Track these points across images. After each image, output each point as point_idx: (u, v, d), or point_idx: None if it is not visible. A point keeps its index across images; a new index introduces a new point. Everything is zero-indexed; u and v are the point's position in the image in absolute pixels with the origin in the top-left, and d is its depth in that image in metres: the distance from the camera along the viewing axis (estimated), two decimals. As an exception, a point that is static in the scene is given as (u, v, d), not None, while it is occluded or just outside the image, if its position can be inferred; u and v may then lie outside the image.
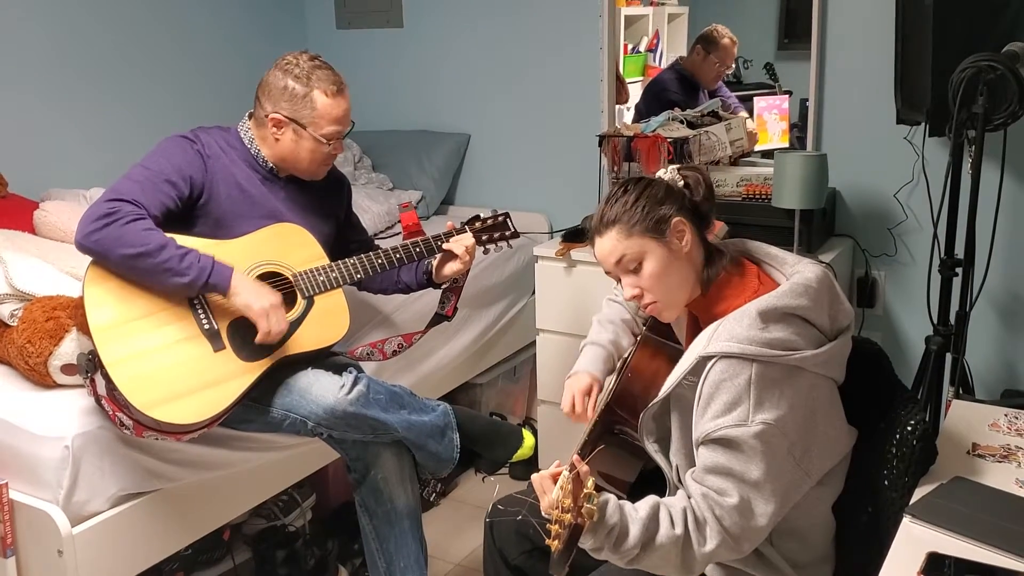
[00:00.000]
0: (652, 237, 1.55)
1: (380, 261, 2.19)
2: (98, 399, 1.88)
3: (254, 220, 2.12)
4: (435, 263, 2.30)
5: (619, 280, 1.63)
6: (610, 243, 1.57)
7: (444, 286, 2.37)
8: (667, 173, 1.63)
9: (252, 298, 1.94)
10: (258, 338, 1.94)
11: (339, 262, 2.15)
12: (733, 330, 1.45)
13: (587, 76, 3.29)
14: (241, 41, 3.63)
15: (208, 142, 2.12)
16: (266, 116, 2.11)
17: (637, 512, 1.41)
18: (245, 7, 3.66)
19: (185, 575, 2.43)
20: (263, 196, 2.15)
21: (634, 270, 1.57)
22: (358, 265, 2.16)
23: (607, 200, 1.60)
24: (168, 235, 1.92)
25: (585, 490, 1.26)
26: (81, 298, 1.91)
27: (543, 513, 1.42)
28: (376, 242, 2.48)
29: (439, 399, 2.78)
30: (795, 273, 1.55)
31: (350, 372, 2.08)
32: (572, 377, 1.87)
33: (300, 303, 2.08)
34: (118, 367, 1.84)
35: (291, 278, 2.09)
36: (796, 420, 1.45)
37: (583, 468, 1.29)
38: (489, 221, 2.35)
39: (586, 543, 1.37)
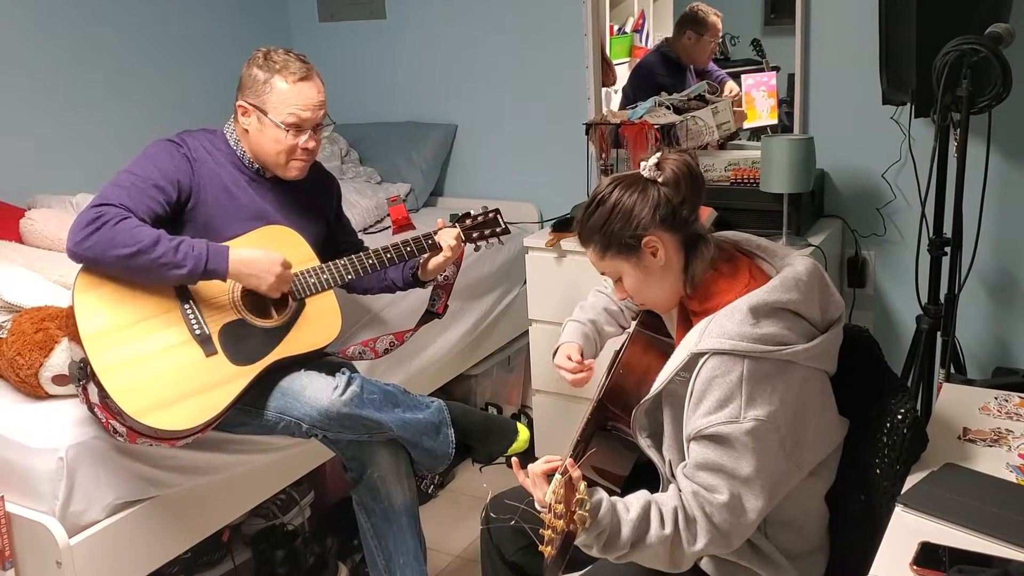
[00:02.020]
0: (625, 258, 1.56)
1: (371, 261, 2.18)
2: (91, 407, 1.88)
3: (242, 223, 2.11)
4: (421, 261, 2.30)
5: None
6: (590, 256, 1.62)
7: (434, 283, 2.36)
8: (646, 171, 1.55)
9: (256, 282, 1.97)
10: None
11: (329, 263, 2.14)
12: (724, 326, 1.45)
13: (573, 62, 3.27)
14: (223, 38, 3.60)
15: (195, 146, 2.11)
16: (236, 106, 2.11)
17: (628, 512, 1.42)
18: (227, 4, 3.63)
19: (186, 577, 2.44)
20: (250, 198, 2.14)
21: (617, 280, 1.62)
22: (348, 266, 2.15)
23: (585, 208, 1.59)
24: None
25: (578, 495, 1.26)
26: (71, 306, 1.90)
27: (537, 506, 1.43)
28: (365, 239, 2.48)
29: (434, 392, 2.79)
30: (785, 266, 1.55)
31: (343, 373, 2.08)
32: (555, 356, 1.90)
33: (291, 305, 2.08)
34: (110, 375, 1.84)
35: (281, 281, 2.09)
36: (788, 414, 1.45)
37: (575, 473, 1.29)
38: (479, 218, 2.34)
39: (577, 540, 1.37)
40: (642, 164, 1.58)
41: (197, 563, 2.45)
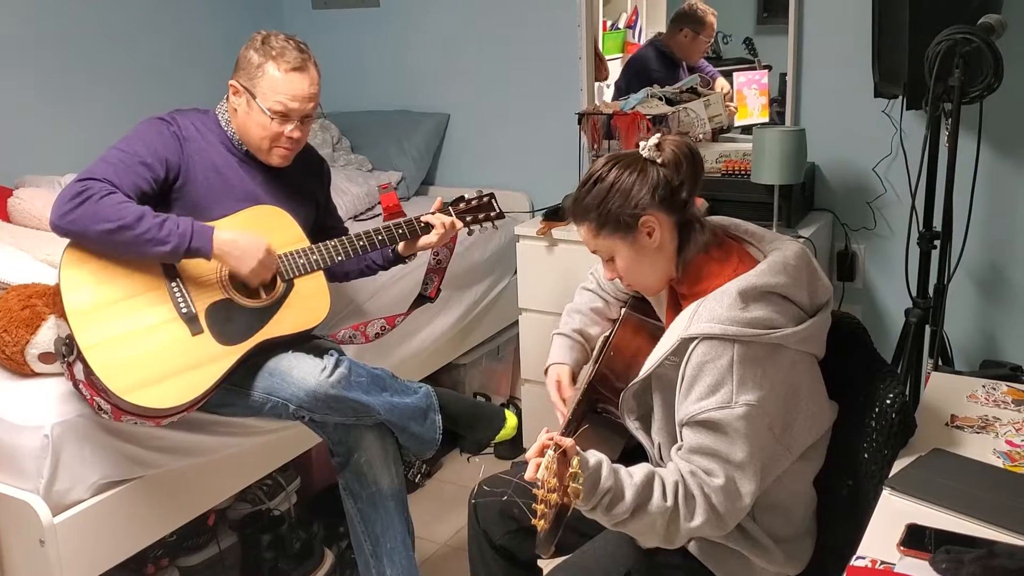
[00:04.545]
0: (620, 236, 1.55)
1: (361, 243, 2.17)
2: (76, 384, 1.87)
3: (232, 203, 2.10)
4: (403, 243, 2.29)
5: None
6: (583, 235, 1.61)
7: (427, 267, 2.36)
8: (646, 151, 1.55)
9: (237, 263, 1.95)
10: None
11: (319, 244, 2.13)
12: (714, 311, 1.45)
13: (566, 54, 3.27)
14: (217, 23, 3.58)
15: (185, 124, 2.10)
16: (228, 84, 2.11)
17: (632, 478, 1.41)
18: (220, -11, 3.61)
19: (170, 562, 2.42)
20: (240, 179, 2.13)
21: (609, 259, 1.61)
22: (339, 247, 2.14)
23: (581, 186, 1.58)
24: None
25: (570, 470, 1.26)
26: (58, 283, 1.89)
27: (526, 479, 1.42)
28: (356, 227, 2.46)
29: (423, 380, 2.77)
30: (773, 250, 1.55)
31: (331, 355, 2.07)
32: (546, 375, 1.90)
33: (280, 286, 2.07)
34: (95, 351, 1.83)
35: (271, 261, 2.07)
36: (778, 398, 1.45)
37: (568, 443, 1.29)
38: (474, 202, 2.33)
39: (581, 503, 1.36)
40: (641, 144, 1.56)
41: (182, 547, 2.44)
